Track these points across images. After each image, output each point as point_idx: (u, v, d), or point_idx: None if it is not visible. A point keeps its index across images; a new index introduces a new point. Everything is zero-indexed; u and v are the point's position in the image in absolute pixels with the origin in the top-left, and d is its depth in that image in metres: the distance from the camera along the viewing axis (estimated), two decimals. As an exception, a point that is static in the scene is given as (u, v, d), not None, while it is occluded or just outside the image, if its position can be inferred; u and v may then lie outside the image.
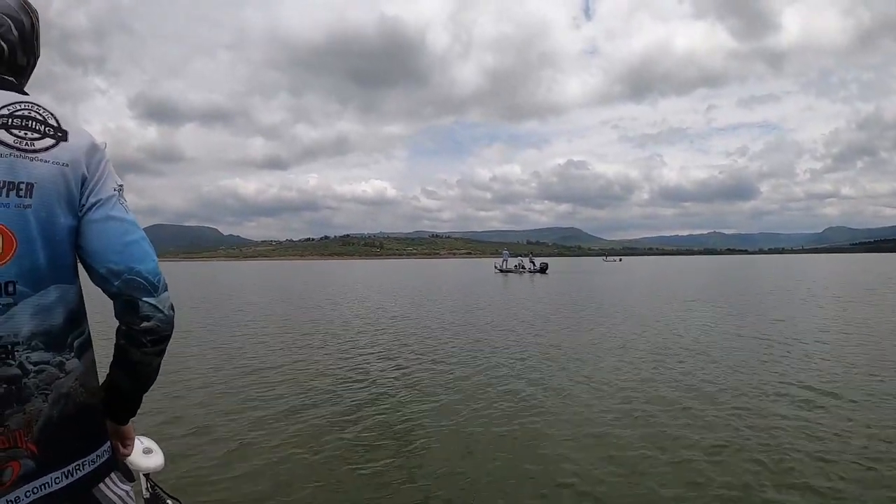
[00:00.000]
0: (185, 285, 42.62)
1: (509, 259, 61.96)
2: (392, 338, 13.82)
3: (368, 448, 5.87)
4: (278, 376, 9.49)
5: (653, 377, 9.28)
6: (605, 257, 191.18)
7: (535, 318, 18.21)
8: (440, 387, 8.74)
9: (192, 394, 8.39)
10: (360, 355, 11.41)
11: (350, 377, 9.47)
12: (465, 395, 8.17)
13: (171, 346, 12.23)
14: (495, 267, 60.80)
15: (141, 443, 1.75)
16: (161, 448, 1.88)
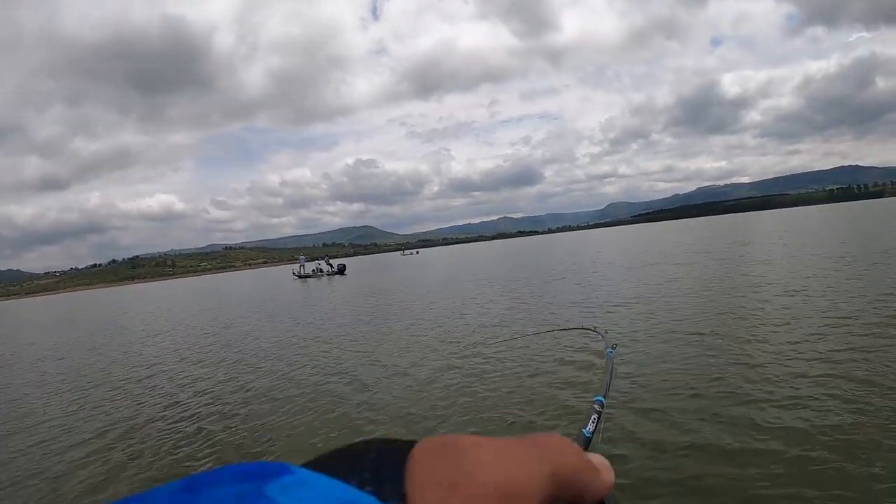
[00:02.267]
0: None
1: (306, 264, 61.33)
2: (191, 371, 13.20)
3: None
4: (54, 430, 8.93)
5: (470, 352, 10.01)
6: (402, 252, 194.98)
7: (337, 319, 18.39)
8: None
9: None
10: (161, 396, 10.94)
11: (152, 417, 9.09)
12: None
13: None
14: (293, 273, 59.87)
15: None
16: None
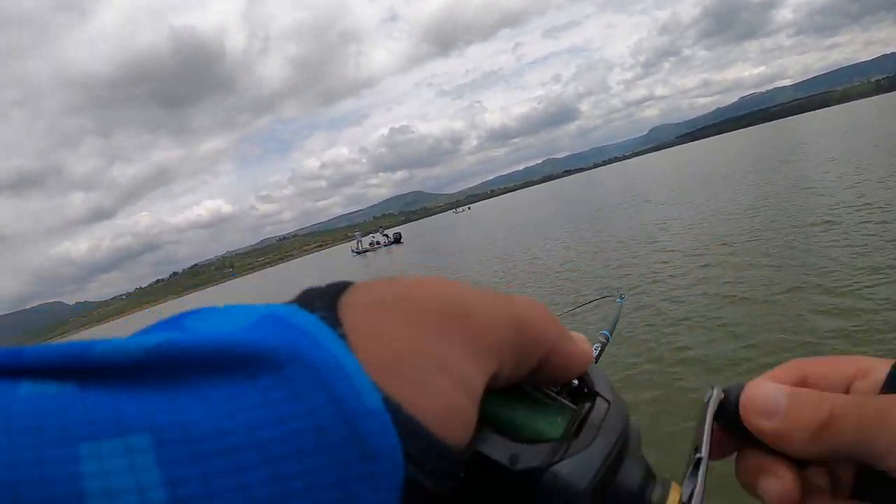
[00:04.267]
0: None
1: (363, 239, 61.26)
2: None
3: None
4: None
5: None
6: (455, 210, 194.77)
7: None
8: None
9: None
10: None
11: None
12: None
13: None
14: (352, 250, 59.90)
15: None
16: None
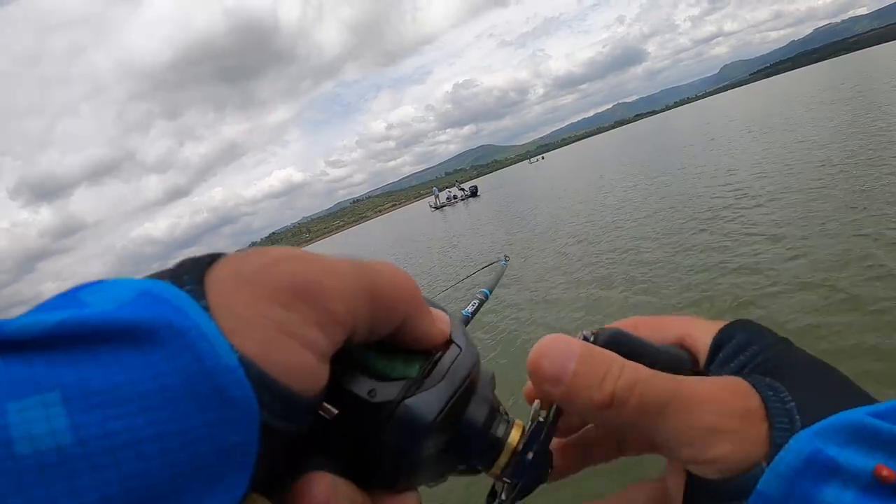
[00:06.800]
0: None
1: (440, 194, 61.82)
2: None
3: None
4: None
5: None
6: (529, 161, 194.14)
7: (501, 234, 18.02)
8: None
9: None
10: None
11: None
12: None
13: None
14: (430, 206, 60.69)
15: None
16: None
